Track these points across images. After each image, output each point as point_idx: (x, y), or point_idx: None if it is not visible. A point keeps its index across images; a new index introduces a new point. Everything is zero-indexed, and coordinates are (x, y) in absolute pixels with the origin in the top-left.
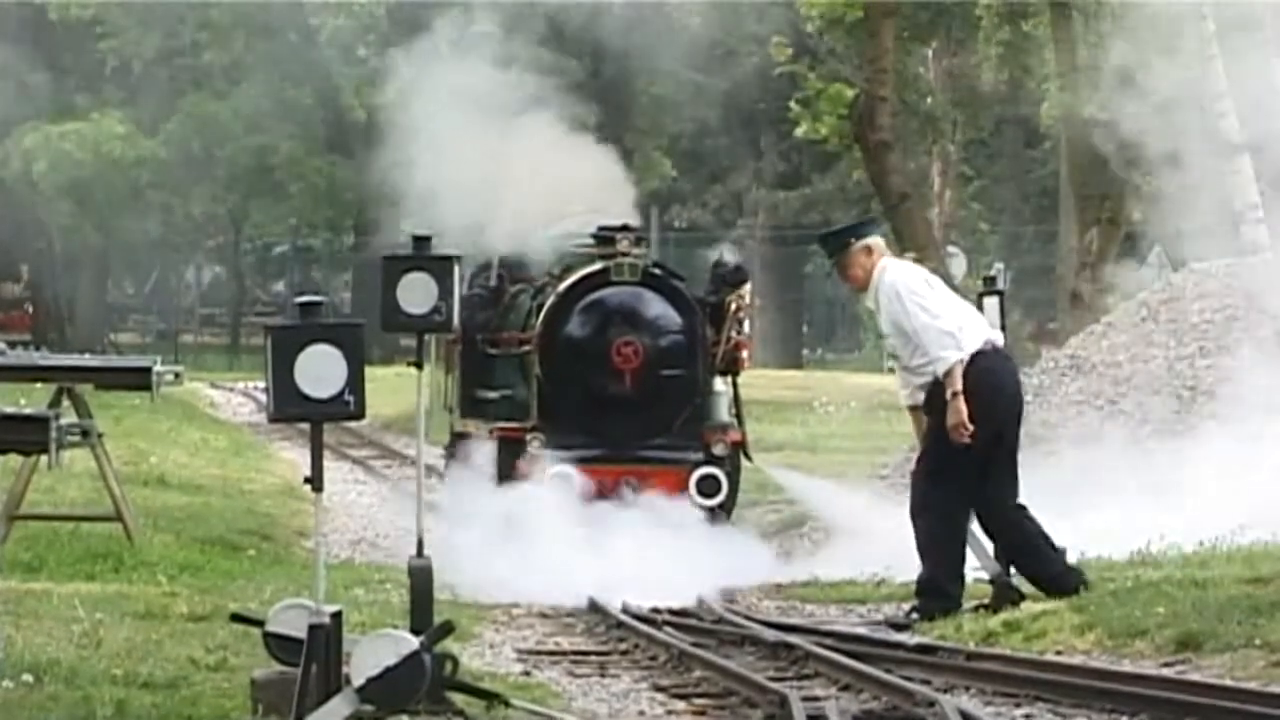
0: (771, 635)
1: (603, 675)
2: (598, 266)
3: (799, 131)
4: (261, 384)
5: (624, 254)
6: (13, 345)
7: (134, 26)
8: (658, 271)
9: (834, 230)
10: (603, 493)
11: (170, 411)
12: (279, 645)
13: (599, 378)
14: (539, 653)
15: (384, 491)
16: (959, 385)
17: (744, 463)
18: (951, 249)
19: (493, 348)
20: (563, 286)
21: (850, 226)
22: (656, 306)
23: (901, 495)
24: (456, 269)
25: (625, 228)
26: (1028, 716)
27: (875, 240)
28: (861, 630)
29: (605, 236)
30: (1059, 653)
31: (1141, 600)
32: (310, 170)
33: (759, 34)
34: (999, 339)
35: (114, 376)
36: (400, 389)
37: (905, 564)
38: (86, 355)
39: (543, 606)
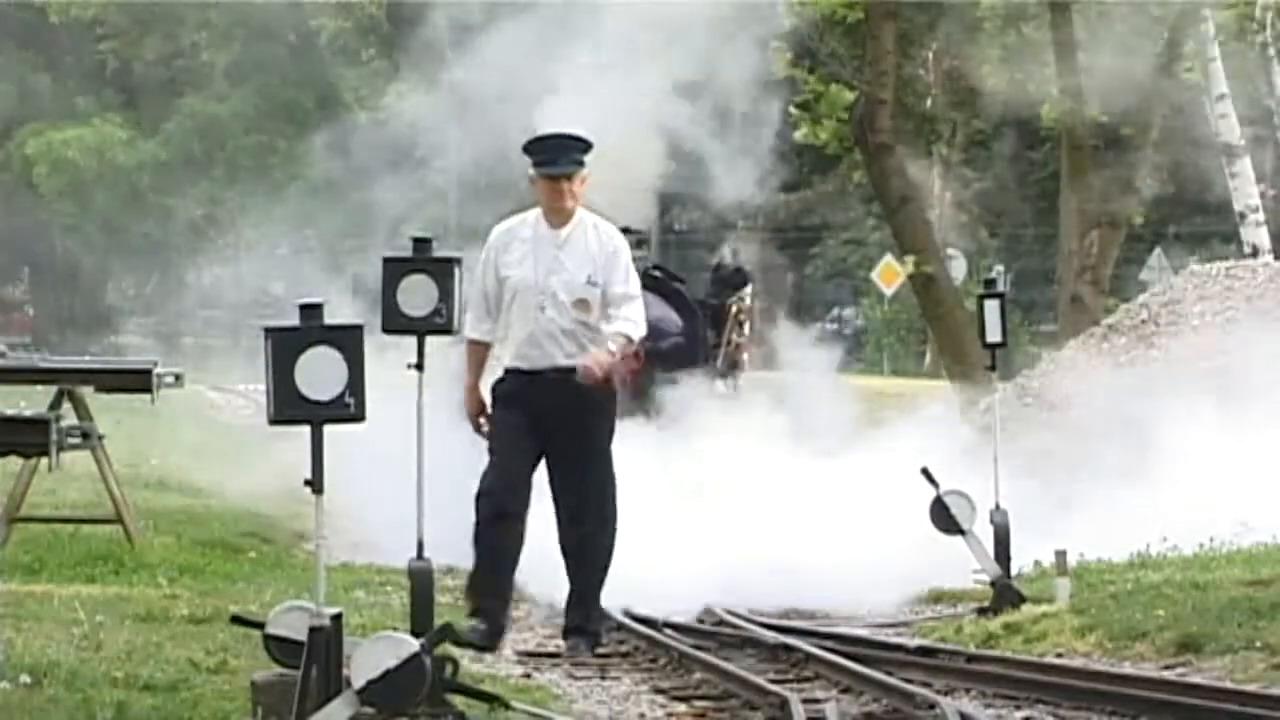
0: (772, 638)
1: (603, 678)
2: None
3: (798, 135)
4: (261, 386)
5: None
6: (13, 347)
7: (133, 28)
8: (659, 274)
9: (571, 135)
10: None
11: (171, 414)
12: (279, 647)
13: None
14: (539, 655)
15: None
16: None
17: None
18: (952, 251)
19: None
20: None
21: (585, 140)
22: (657, 309)
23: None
24: (457, 271)
25: (626, 230)
26: (1028, 719)
27: None
28: (862, 632)
29: None
30: (1059, 655)
31: (1142, 602)
32: (309, 172)
33: (759, 36)
34: None
35: (114, 379)
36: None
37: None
38: (87, 357)
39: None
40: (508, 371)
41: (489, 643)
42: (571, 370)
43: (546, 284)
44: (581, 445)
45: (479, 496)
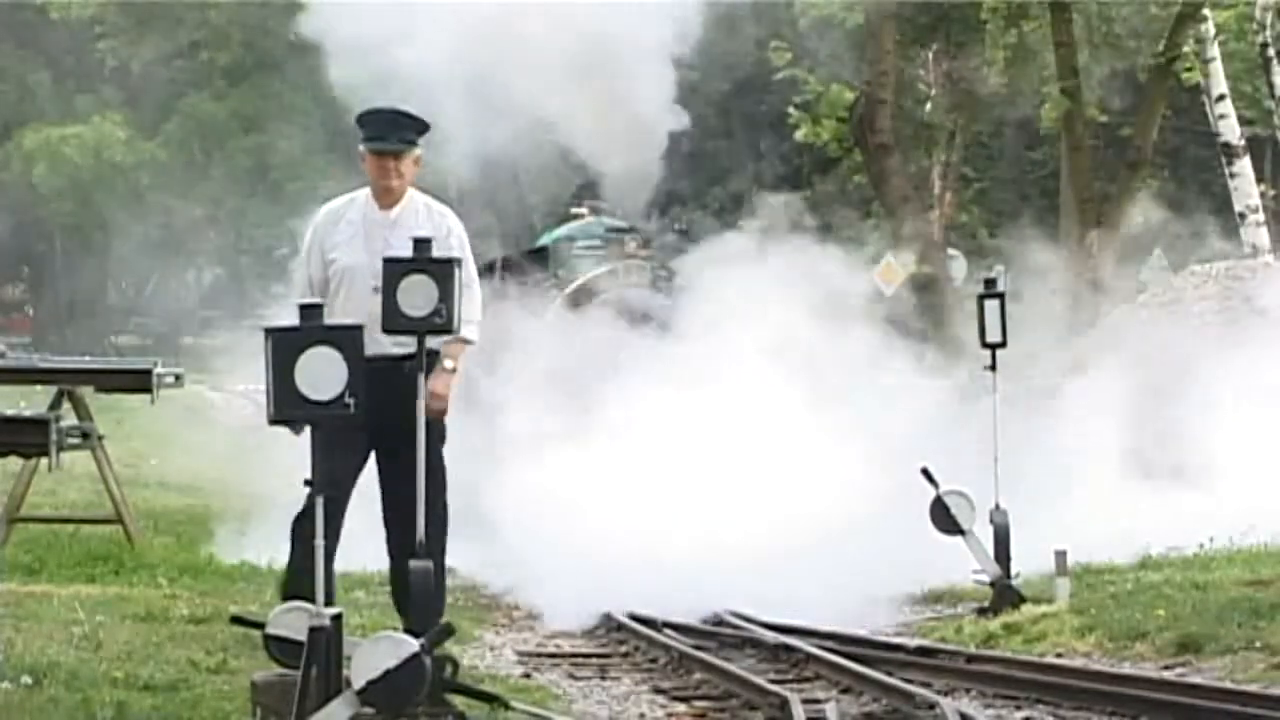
0: (772, 638)
1: (603, 678)
2: (605, 268)
3: (799, 135)
4: (261, 386)
5: (631, 255)
6: (13, 347)
7: (133, 28)
8: (666, 272)
9: (405, 112)
10: None
11: (170, 414)
12: (279, 648)
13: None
14: (539, 655)
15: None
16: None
17: None
18: (952, 251)
19: None
20: (569, 288)
21: (420, 120)
22: (666, 307)
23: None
24: (457, 271)
25: (632, 229)
26: (1028, 719)
27: None
28: (862, 632)
29: (612, 238)
30: (1059, 655)
31: (1142, 603)
32: (310, 171)
33: (759, 36)
34: None
35: (114, 379)
36: None
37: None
38: (87, 358)
39: (543, 609)
40: None
41: None
42: (401, 359)
43: (377, 267)
44: (412, 441)
45: (299, 518)
